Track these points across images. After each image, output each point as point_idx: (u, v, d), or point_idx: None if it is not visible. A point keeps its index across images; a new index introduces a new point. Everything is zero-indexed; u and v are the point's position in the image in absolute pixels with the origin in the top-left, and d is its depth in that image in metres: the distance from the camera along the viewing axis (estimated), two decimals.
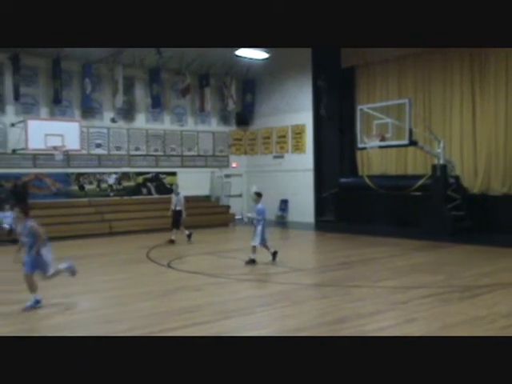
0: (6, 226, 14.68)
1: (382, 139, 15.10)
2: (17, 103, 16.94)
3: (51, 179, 17.72)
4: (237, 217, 20.41)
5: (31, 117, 16.72)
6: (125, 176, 19.48)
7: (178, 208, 14.36)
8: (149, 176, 20.01)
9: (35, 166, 17.41)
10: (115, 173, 19.23)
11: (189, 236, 14.35)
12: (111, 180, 19.19)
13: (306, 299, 7.82)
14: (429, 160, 16.31)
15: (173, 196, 14.77)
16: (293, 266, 10.63)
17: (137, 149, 19.74)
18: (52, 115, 17.70)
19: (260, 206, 10.46)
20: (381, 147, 15.82)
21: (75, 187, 18.35)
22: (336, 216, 19.19)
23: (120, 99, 18.56)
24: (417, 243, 13.49)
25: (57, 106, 17.71)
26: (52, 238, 15.02)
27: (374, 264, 10.88)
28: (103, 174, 18.97)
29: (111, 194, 19.12)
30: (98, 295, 8.54)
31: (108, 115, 19.03)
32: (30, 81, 17.18)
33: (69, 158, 17.67)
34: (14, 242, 14.49)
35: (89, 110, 18.49)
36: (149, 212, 18.01)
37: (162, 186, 20.26)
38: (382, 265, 10.78)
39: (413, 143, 14.74)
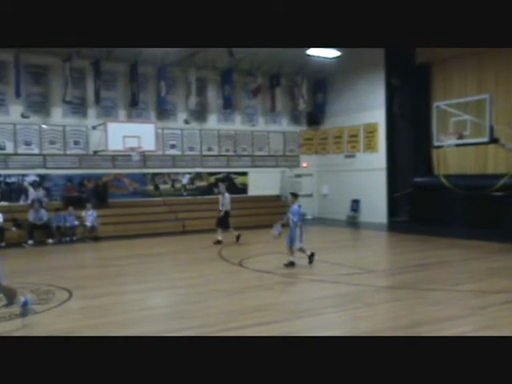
0: (88, 223, 15.47)
1: (460, 137, 14.46)
2: (97, 107, 17.81)
3: (129, 179, 18.49)
4: (308, 217, 20.33)
5: (110, 119, 17.53)
6: (197, 176, 19.95)
7: (224, 208, 14.18)
8: (220, 176, 20.38)
9: (114, 167, 18.23)
10: (189, 173, 19.75)
11: (237, 238, 14.11)
12: (185, 180, 19.73)
13: (377, 302, 7.65)
14: (511, 158, 15.47)
15: (220, 196, 14.65)
16: (364, 267, 10.44)
17: (209, 149, 20.16)
18: (129, 117, 18.46)
19: (295, 206, 10.24)
20: (458, 145, 15.16)
21: (151, 187, 19.03)
22: (410, 217, 18.63)
23: (193, 101, 19.04)
24: (496, 246, 12.82)
25: (134, 108, 18.45)
26: (128, 236, 15.78)
27: (449, 267, 10.46)
28: (177, 174, 19.54)
29: (184, 194, 19.66)
30: (171, 292, 8.79)
31: (182, 116, 19.58)
32: (109, 85, 18.02)
33: (145, 158, 18.35)
34: (95, 239, 15.32)
35: (163, 112, 19.11)
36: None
37: (233, 185, 20.57)
38: (458, 268, 10.35)
39: (494, 141, 13.99)
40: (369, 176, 19.90)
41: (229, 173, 20.59)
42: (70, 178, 17.30)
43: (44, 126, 17.12)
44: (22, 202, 16.47)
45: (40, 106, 17.09)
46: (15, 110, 16.62)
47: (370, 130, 20.05)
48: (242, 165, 20.86)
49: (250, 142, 21.05)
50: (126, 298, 8.23)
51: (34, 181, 16.90)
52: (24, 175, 16.79)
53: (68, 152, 17.51)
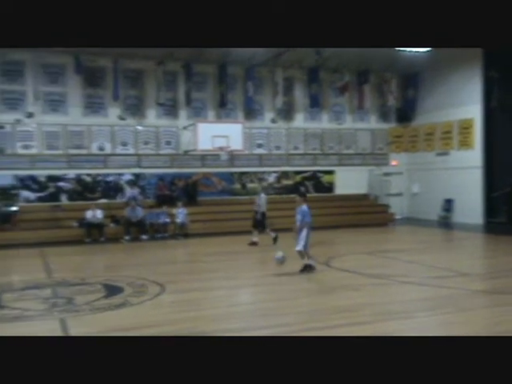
0: (179, 221, 16.05)
1: None
2: (188, 108, 18.43)
3: (217, 178, 18.96)
4: (397, 217, 19.75)
5: (200, 120, 18.06)
6: (284, 175, 20.03)
7: (260, 209, 13.83)
8: (306, 175, 20.31)
9: (203, 166, 18.78)
10: (275, 172, 19.88)
11: (275, 239, 13.56)
12: (271, 178, 19.88)
13: (473, 306, 7.26)
14: None
15: (256, 197, 14.36)
16: (458, 269, 9.95)
17: (295, 148, 20.16)
18: (218, 118, 18.92)
19: (304, 207, 9.60)
20: None
21: (238, 185, 19.38)
22: (508, 217, 17.49)
23: (280, 100, 19.13)
24: None
25: (222, 108, 18.88)
26: (216, 234, 16.16)
27: None
28: (263, 172, 19.74)
29: (271, 192, 19.80)
30: (257, 289, 8.89)
31: (268, 116, 19.74)
32: (199, 86, 18.57)
33: (232, 157, 18.71)
34: (185, 236, 15.87)
35: (251, 112, 19.38)
36: None
37: (320, 184, 20.42)
38: None
39: None
40: (463, 174, 18.92)
41: (315, 171, 20.47)
42: (161, 177, 18.05)
43: (139, 128, 18.01)
44: (118, 200, 17.42)
45: (135, 109, 17.99)
46: (113, 112, 17.63)
47: (465, 126, 19.06)
48: (328, 163, 20.65)
49: (336, 140, 20.79)
50: (214, 293, 8.45)
51: (130, 179, 17.82)
52: (121, 174, 17.76)
53: (160, 152, 18.29)
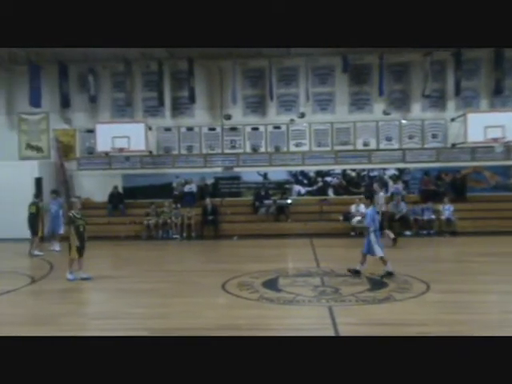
0: (444, 217, 15.23)
1: None
2: (457, 98, 17.34)
3: (490, 172, 17.38)
4: None
5: (471, 110, 16.81)
6: None
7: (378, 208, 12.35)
8: None
9: (473, 160, 17.44)
10: None
11: (394, 240, 12.92)
12: None
13: None
14: None
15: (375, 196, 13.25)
16: None
17: None
18: (492, 107, 17.30)
19: (370, 210, 9.26)
20: None
21: None
22: None
23: None
24: None
25: (497, 96, 17.19)
26: (487, 233, 14.82)
27: None
28: None
29: None
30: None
31: None
32: (470, 74, 17.29)
33: (509, 149, 16.89)
34: (453, 234, 14.99)
35: None
36: None
37: None
38: None
39: None
40: None
41: None
42: (426, 172, 17.43)
43: (403, 122, 17.75)
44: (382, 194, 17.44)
45: (400, 103, 17.79)
46: (378, 107, 17.78)
47: None
48: None
49: None
50: (484, 297, 7.81)
51: (394, 174, 17.73)
52: (384, 169, 17.81)
53: (426, 146, 17.68)
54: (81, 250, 9.54)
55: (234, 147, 18.04)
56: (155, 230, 16.14)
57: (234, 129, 18.01)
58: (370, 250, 9.23)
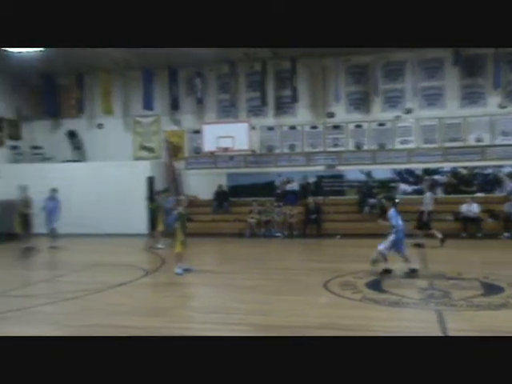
0: None
1: None
2: None
3: None
4: None
5: None
6: None
7: (423, 208, 13.26)
8: None
9: None
10: None
11: (442, 241, 12.78)
12: None
13: None
14: None
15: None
16: None
17: None
18: None
19: (391, 212, 9.40)
20: None
21: None
22: None
23: None
24: None
25: None
26: None
27: None
28: None
29: None
30: None
31: None
32: None
33: None
34: None
35: None
36: None
37: None
38: None
39: None
40: None
41: None
42: None
43: None
44: (497, 194, 16.37)
45: None
46: (493, 101, 16.62)
47: None
48: None
49: None
50: None
51: (511, 172, 16.48)
52: (500, 166, 16.61)
53: None
54: (185, 245, 9.99)
55: (336, 145, 17.83)
56: (258, 228, 16.41)
57: (336, 127, 17.80)
58: (398, 248, 9.42)
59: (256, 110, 18.28)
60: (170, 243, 11.48)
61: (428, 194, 13.87)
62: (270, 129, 18.28)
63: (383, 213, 10.51)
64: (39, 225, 14.16)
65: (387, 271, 9.35)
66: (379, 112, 17.52)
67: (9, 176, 17.63)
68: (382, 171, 17.41)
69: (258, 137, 18.24)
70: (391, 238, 9.30)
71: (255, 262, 11.82)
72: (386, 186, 17.27)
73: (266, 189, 17.81)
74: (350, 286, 8.48)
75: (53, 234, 14.33)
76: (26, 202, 13.43)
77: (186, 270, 9.95)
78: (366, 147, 17.62)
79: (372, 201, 16.49)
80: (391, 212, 9.46)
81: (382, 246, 9.32)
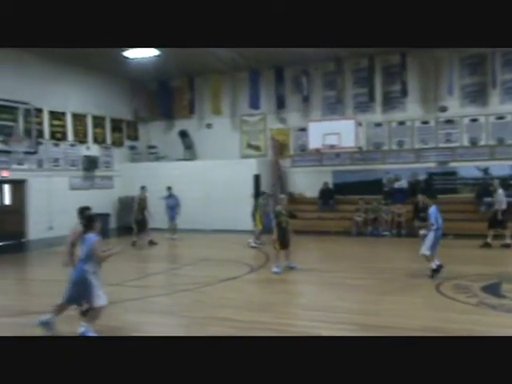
0: None
1: None
2: None
3: None
4: None
5: None
6: None
7: (496, 207, 12.65)
8: None
9: None
10: None
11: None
12: None
13: None
14: None
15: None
16: None
17: None
18: None
19: (431, 210, 9.07)
20: None
21: None
22: None
23: None
24: None
25: None
26: None
27: None
28: None
29: None
30: None
31: None
32: None
33: None
34: None
35: None
36: None
37: None
38: None
39: None
40: None
41: None
42: None
43: None
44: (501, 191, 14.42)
45: None
46: None
47: None
48: None
49: None
50: None
51: None
52: None
53: None
54: (282, 243, 9.98)
55: (449, 141, 16.93)
56: (364, 227, 16.08)
57: (449, 121, 16.90)
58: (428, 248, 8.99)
59: (363, 107, 17.91)
60: (269, 242, 11.55)
61: (500, 191, 12.95)
62: (378, 125, 17.81)
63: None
64: (159, 220, 15.11)
65: (437, 270, 8.95)
66: (498, 104, 16.34)
67: (128, 175, 18.94)
68: (501, 167, 16.22)
69: (365, 133, 17.85)
70: (430, 236, 8.97)
71: (361, 260, 11.62)
72: (504, 183, 16.04)
73: (372, 186, 17.38)
74: (464, 289, 8.03)
75: (173, 228, 15.50)
76: (143, 201, 14.41)
77: (292, 268, 10.00)
78: (482, 142, 16.54)
79: (488, 200, 15.41)
80: (432, 209, 9.13)
81: (424, 249, 8.99)
